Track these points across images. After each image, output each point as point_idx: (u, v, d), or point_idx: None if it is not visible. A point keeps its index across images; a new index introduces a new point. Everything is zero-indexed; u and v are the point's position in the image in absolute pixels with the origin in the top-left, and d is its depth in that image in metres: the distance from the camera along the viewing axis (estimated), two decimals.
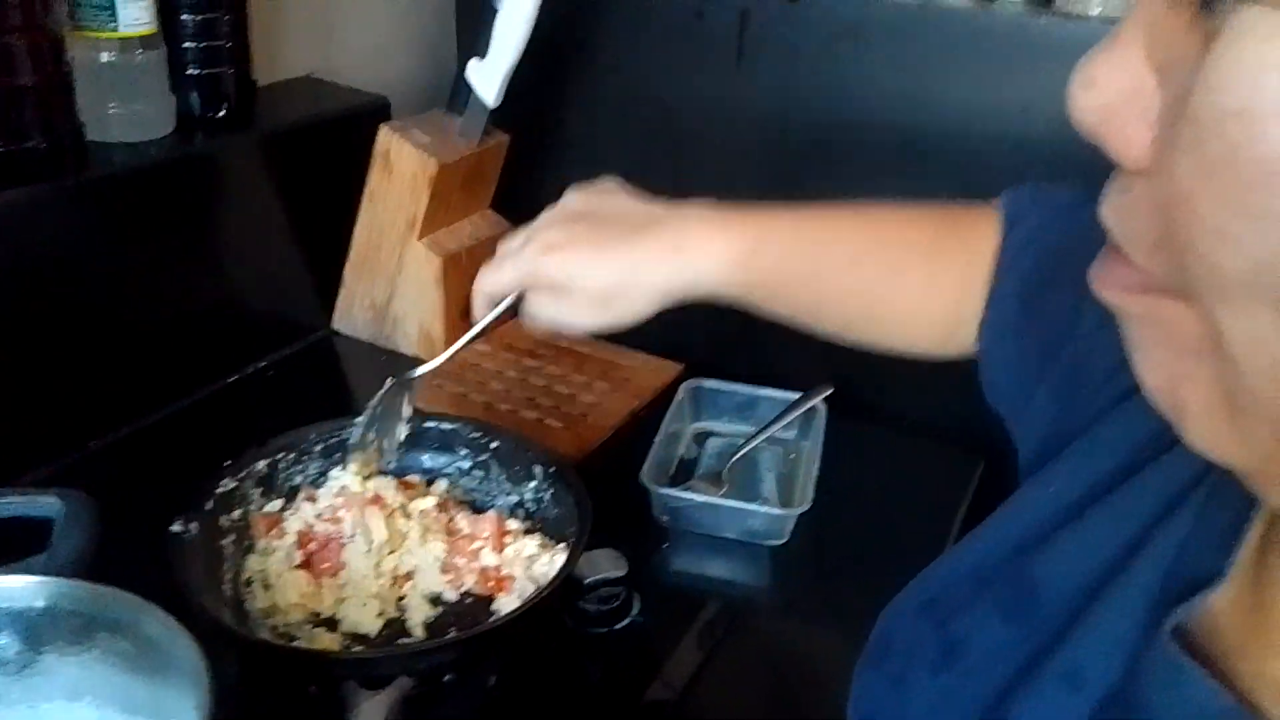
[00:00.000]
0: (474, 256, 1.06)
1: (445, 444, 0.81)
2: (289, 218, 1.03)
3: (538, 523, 0.76)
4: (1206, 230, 0.24)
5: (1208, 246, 0.24)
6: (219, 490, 0.71)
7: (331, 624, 0.68)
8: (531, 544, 0.73)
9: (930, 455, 0.96)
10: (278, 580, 0.69)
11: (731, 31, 1.05)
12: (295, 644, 0.65)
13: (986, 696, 0.42)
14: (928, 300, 0.62)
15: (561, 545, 0.72)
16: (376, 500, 0.72)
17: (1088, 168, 0.99)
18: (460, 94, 1.02)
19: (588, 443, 0.93)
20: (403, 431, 0.77)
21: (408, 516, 0.73)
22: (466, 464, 0.81)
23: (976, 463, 0.95)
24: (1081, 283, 0.38)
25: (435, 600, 0.71)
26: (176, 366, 0.95)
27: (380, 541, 0.70)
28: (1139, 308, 0.29)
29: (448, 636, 0.65)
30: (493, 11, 0.96)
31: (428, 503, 0.75)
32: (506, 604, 0.70)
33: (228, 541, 0.71)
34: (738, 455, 0.90)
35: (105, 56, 0.86)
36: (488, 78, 0.99)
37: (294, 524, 0.72)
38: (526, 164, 1.15)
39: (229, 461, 0.73)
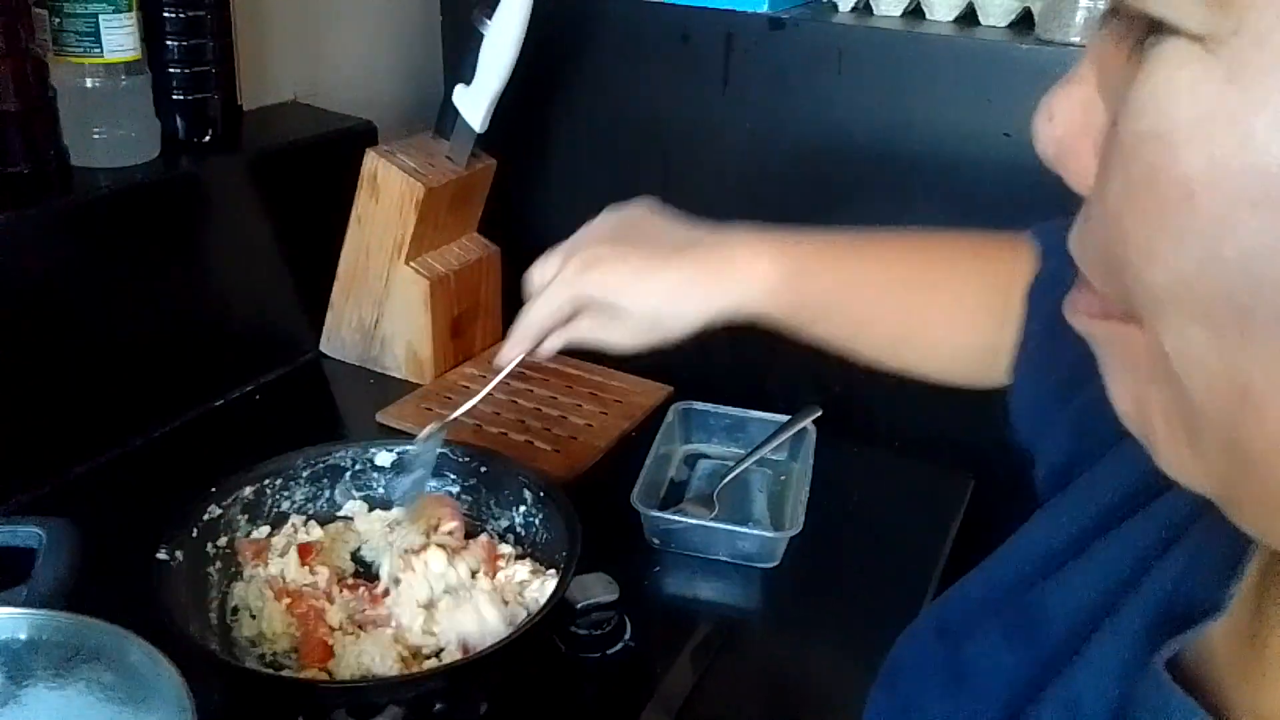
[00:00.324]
0: (461, 279, 1.06)
1: (434, 468, 0.80)
2: (275, 242, 1.03)
3: (528, 547, 0.76)
4: (1136, 249, 0.25)
5: (1138, 265, 0.25)
6: (205, 517, 0.70)
7: None
8: (523, 569, 0.72)
9: (921, 475, 0.96)
10: (266, 609, 0.68)
11: (717, 55, 1.05)
12: (283, 673, 0.64)
13: (992, 717, 0.43)
14: (967, 329, 0.62)
15: (552, 570, 0.72)
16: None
17: (1071, 194, 1.00)
18: (447, 119, 1.02)
19: (578, 465, 0.92)
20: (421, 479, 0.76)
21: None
22: (455, 489, 0.80)
23: (967, 482, 0.95)
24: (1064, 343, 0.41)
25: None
26: (162, 390, 0.94)
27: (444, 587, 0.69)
28: (1102, 333, 0.29)
29: (438, 664, 0.64)
30: (479, 37, 0.96)
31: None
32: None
33: (214, 569, 0.70)
34: (729, 478, 0.90)
35: (90, 82, 0.85)
36: (474, 103, 1.00)
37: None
38: (514, 187, 1.15)
39: (215, 487, 0.72)
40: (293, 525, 0.75)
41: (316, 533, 0.76)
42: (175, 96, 0.93)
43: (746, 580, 0.83)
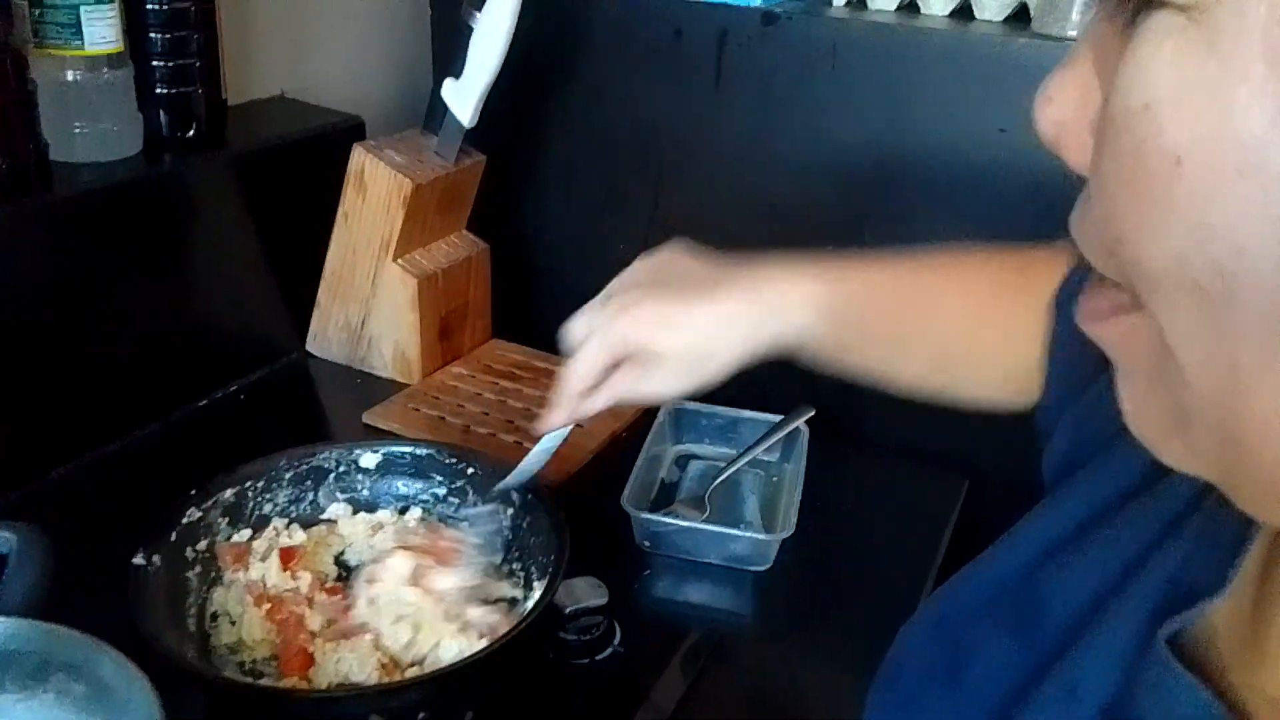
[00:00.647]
0: (450, 278, 1.04)
1: (419, 470, 0.79)
2: (261, 239, 1.01)
3: (516, 550, 0.74)
4: (1130, 224, 0.25)
5: (1133, 241, 0.25)
6: (184, 520, 0.69)
7: None
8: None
9: (915, 477, 0.95)
10: (245, 615, 0.66)
11: (710, 52, 1.04)
12: (262, 681, 0.62)
13: (991, 711, 0.43)
14: (1004, 349, 0.60)
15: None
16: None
17: (1067, 189, 0.99)
18: (436, 113, 1.01)
19: (567, 466, 0.91)
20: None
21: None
22: (441, 490, 0.79)
23: (961, 483, 0.94)
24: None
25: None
26: (144, 391, 0.92)
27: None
28: (1110, 333, 0.30)
29: (420, 672, 0.62)
30: (468, 30, 0.95)
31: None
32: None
33: (193, 574, 0.69)
34: (720, 479, 0.88)
35: (70, 75, 0.84)
36: (463, 97, 0.98)
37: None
38: (503, 184, 1.14)
39: (195, 490, 0.70)
40: (274, 529, 0.74)
41: (299, 536, 0.75)
42: (158, 90, 0.91)
43: (738, 583, 0.81)
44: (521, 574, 0.73)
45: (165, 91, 0.92)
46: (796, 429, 0.92)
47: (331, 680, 0.61)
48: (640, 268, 0.63)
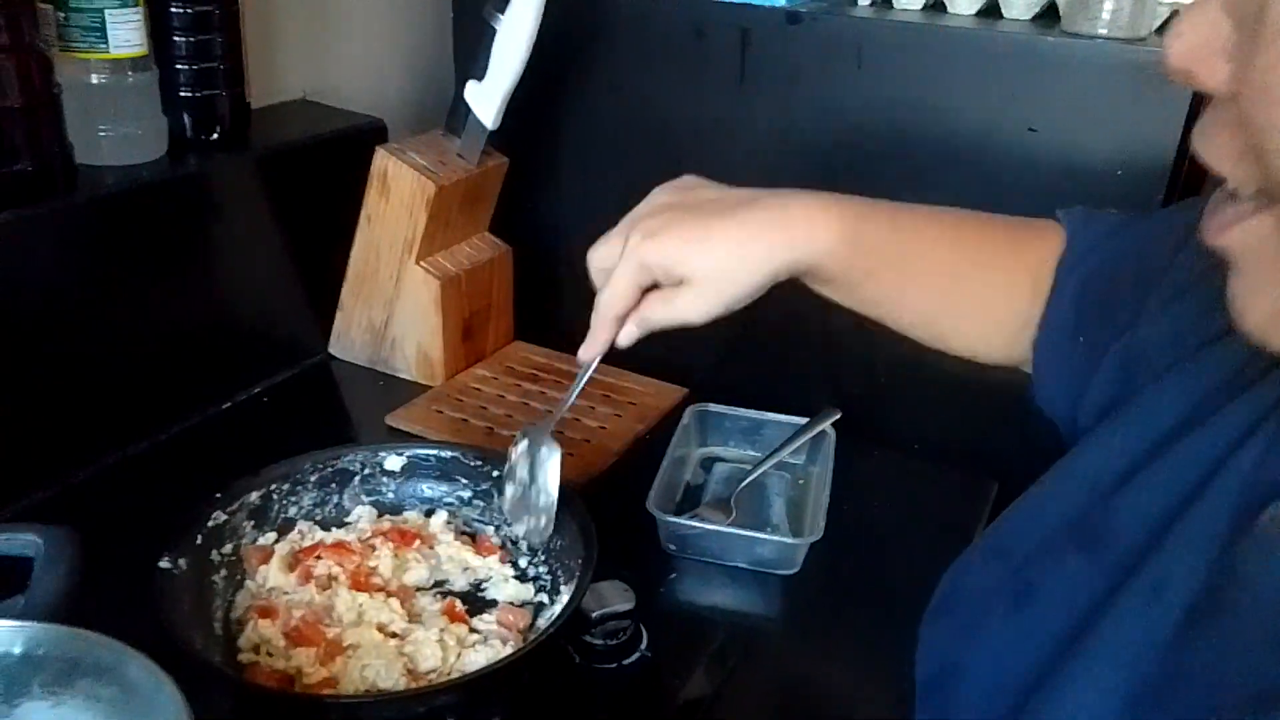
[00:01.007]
0: (473, 279, 1.04)
1: (445, 473, 0.78)
2: (284, 241, 1.01)
3: (543, 554, 0.74)
4: None
5: None
6: (210, 523, 0.68)
7: None
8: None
9: (943, 479, 0.94)
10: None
11: (733, 51, 1.03)
12: (290, 677, 0.62)
13: (1060, 631, 0.46)
14: (1003, 302, 0.64)
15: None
16: None
17: (1094, 186, 0.98)
18: (458, 115, 1.00)
19: (592, 469, 0.90)
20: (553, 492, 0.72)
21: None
22: (467, 494, 0.78)
23: (990, 485, 0.92)
24: (1141, 282, 0.53)
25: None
26: (168, 393, 0.92)
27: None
28: (1233, 239, 0.35)
29: (448, 678, 0.62)
30: (491, 32, 0.94)
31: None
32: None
33: (219, 577, 0.68)
34: (746, 481, 0.88)
35: (95, 78, 0.84)
36: (486, 99, 0.98)
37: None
38: (525, 186, 1.13)
39: (219, 493, 0.70)
40: (299, 532, 0.73)
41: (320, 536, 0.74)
42: (183, 93, 0.92)
43: (765, 587, 0.80)
44: (548, 578, 0.72)
45: (189, 94, 0.92)
46: (823, 431, 0.91)
47: (357, 687, 0.60)
48: (660, 194, 0.64)
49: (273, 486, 0.73)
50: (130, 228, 0.86)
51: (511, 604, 0.70)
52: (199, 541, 0.67)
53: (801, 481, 0.92)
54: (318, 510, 0.76)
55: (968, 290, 0.65)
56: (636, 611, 0.72)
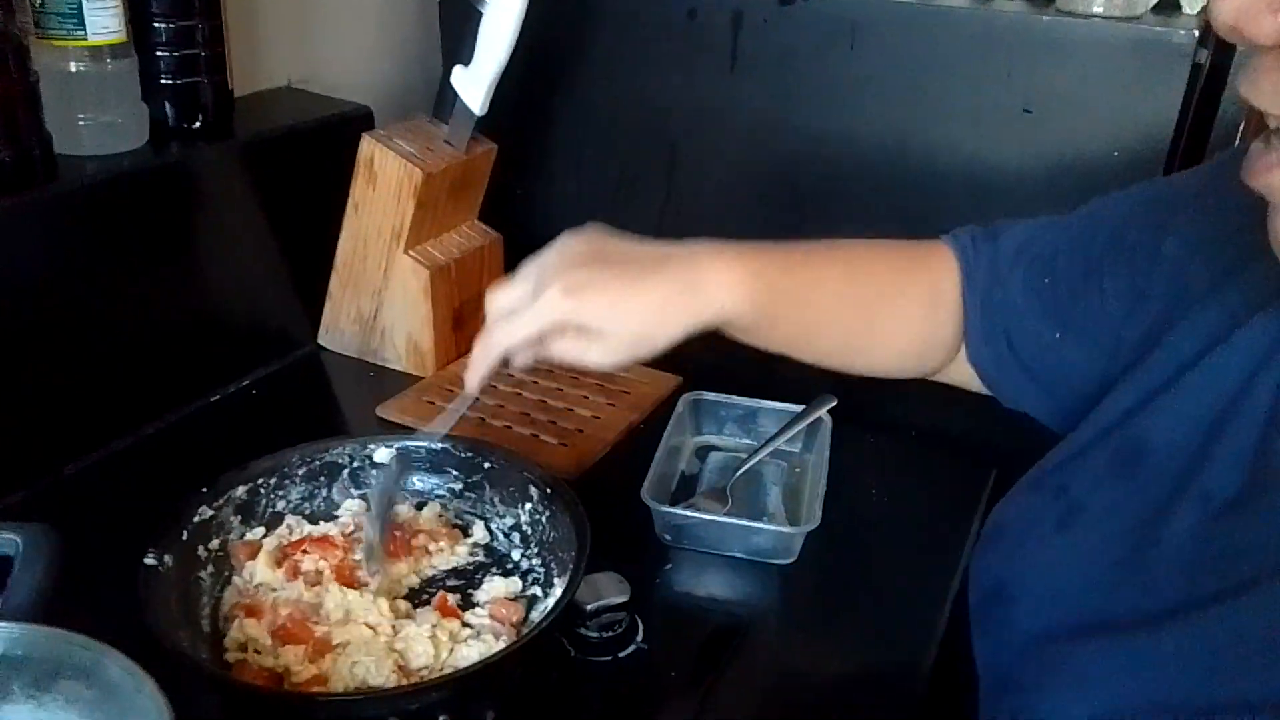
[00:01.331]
0: (462, 268, 1.02)
1: (435, 465, 0.77)
2: (270, 230, 0.99)
3: (535, 546, 0.73)
4: None
5: None
6: (196, 519, 0.67)
7: None
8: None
9: (940, 466, 0.93)
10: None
11: (725, 34, 1.02)
12: (279, 673, 0.61)
13: (1112, 539, 0.51)
14: (906, 324, 0.70)
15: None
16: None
17: (1092, 167, 0.98)
18: (445, 101, 0.99)
19: (585, 459, 0.89)
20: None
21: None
22: (458, 485, 0.77)
23: (988, 473, 0.91)
24: (1127, 262, 0.60)
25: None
26: (153, 386, 0.91)
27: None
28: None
29: (440, 674, 0.61)
30: (478, 16, 0.93)
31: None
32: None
33: (205, 573, 0.67)
34: (741, 470, 0.87)
35: (73, 66, 0.82)
36: (473, 84, 0.96)
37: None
38: (515, 172, 1.12)
39: (206, 488, 0.69)
40: (288, 526, 0.72)
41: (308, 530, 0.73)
42: (164, 81, 0.90)
43: (762, 577, 0.79)
44: (541, 570, 0.71)
45: (171, 82, 0.90)
46: (819, 419, 0.90)
47: (347, 684, 0.59)
48: (575, 245, 0.64)
49: (260, 481, 0.72)
50: (112, 218, 0.84)
51: (504, 598, 0.68)
52: (185, 537, 0.66)
53: (798, 470, 0.91)
54: (306, 504, 0.74)
55: (872, 320, 0.70)
56: (631, 603, 0.71)
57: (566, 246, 0.64)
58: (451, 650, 0.63)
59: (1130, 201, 0.64)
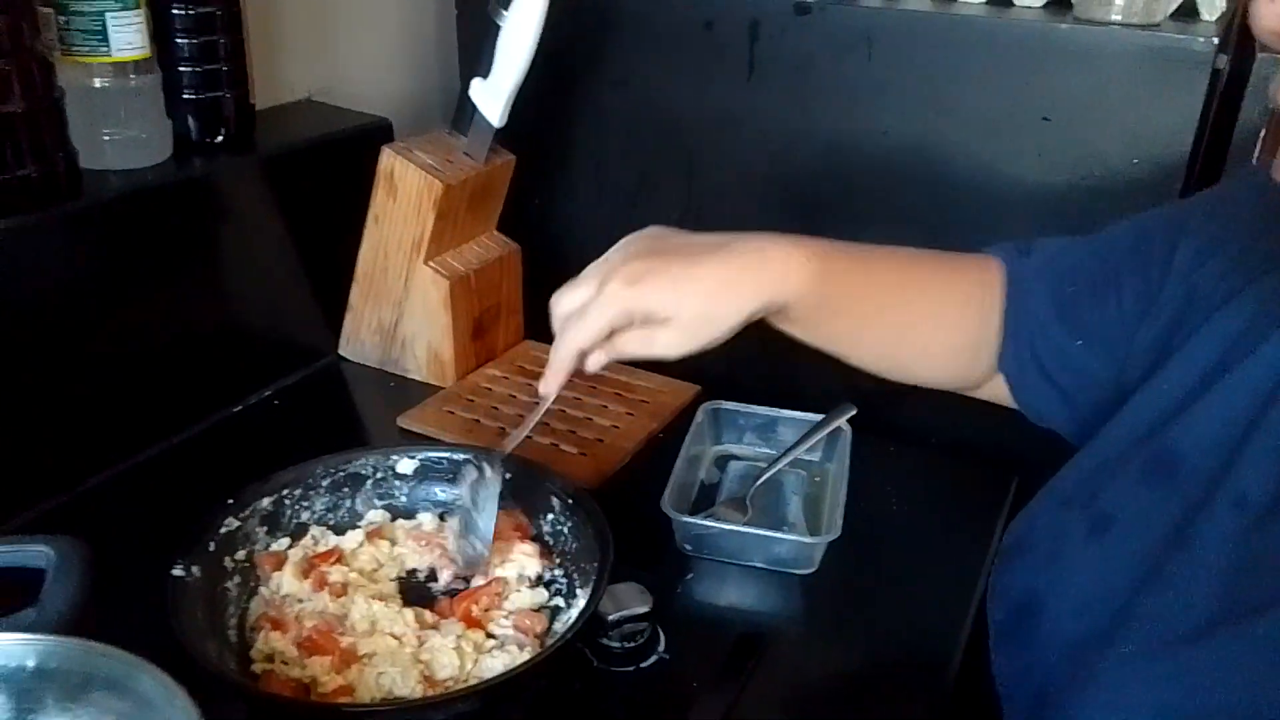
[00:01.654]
0: (482, 278, 1.03)
1: (458, 475, 0.77)
2: (292, 243, 1.00)
3: (558, 556, 0.73)
4: None
5: None
6: (222, 530, 0.68)
7: None
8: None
9: (961, 474, 0.93)
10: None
11: (741, 43, 1.02)
12: (304, 683, 0.61)
13: (1145, 549, 0.51)
14: (956, 329, 0.70)
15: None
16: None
17: (1110, 175, 0.98)
18: (464, 113, 0.99)
19: (605, 469, 0.90)
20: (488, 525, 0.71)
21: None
22: None
23: (1010, 479, 0.91)
24: (1143, 266, 0.61)
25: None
26: (176, 398, 0.92)
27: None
28: None
29: (466, 685, 0.61)
30: (496, 29, 0.93)
31: None
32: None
33: (232, 584, 0.68)
34: (761, 480, 0.87)
35: (98, 82, 0.83)
36: (492, 96, 0.97)
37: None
38: (533, 183, 1.12)
39: (232, 499, 0.69)
40: (312, 537, 0.72)
41: (334, 542, 0.73)
42: (186, 96, 0.91)
43: (783, 587, 0.79)
44: (564, 581, 0.71)
45: (193, 96, 0.91)
46: (838, 428, 0.90)
47: (374, 695, 0.59)
48: (631, 242, 0.65)
49: (284, 492, 0.73)
50: (137, 232, 0.85)
51: (529, 608, 0.69)
52: (211, 549, 0.66)
53: (817, 479, 0.91)
54: (330, 515, 0.75)
55: (919, 325, 0.70)
56: (653, 613, 0.71)
57: (627, 244, 0.65)
58: (476, 661, 0.63)
59: (1148, 217, 0.65)
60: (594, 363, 0.65)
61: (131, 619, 0.52)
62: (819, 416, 0.90)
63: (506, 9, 0.92)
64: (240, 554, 0.69)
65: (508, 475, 0.73)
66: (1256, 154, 0.84)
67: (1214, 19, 0.91)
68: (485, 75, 0.96)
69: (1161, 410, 0.54)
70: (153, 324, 0.89)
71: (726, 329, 0.62)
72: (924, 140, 0.97)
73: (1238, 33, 0.91)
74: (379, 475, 0.77)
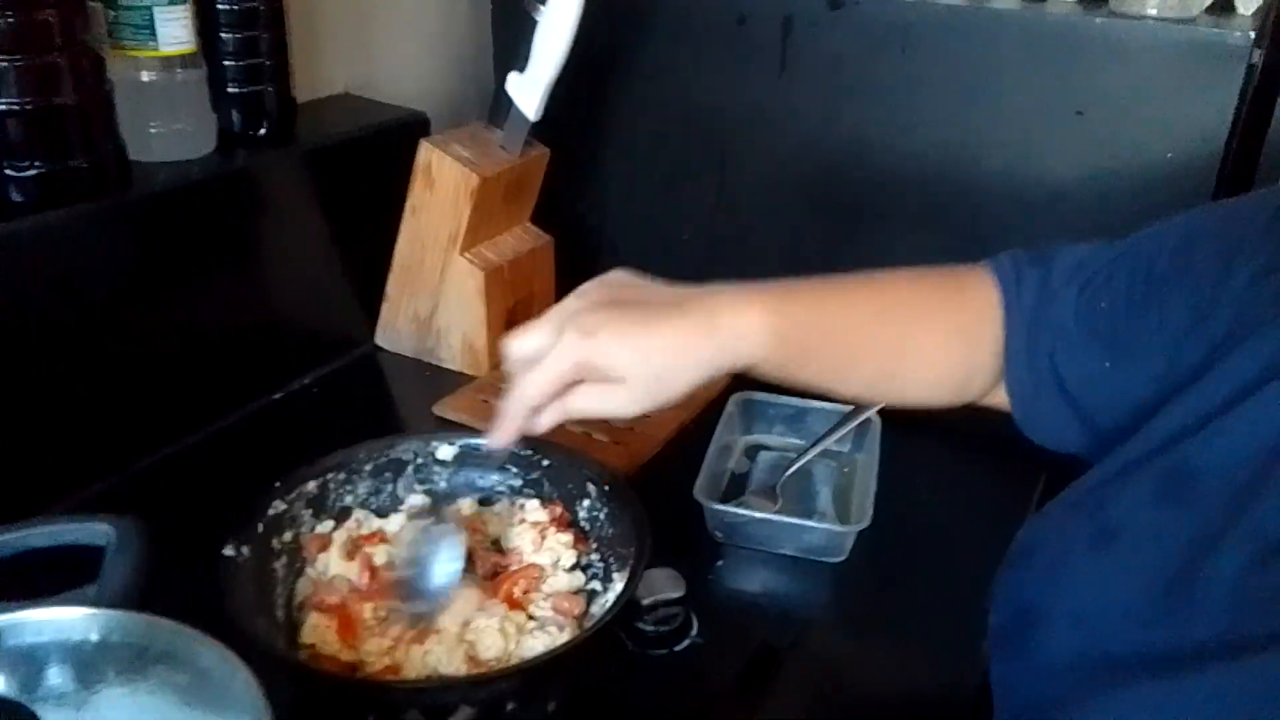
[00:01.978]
0: (516, 269, 1.04)
1: (495, 462, 0.79)
2: (331, 234, 1.02)
3: (594, 542, 0.74)
4: None
5: None
6: (270, 512, 0.69)
7: None
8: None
9: (990, 468, 0.93)
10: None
11: (774, 38, 1.03)
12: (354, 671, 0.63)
13: (1149, 569, 0.49)
14: (943, 355, 0.68)
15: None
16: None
17: (1144, 171, 0.97)
18: (500, 107, 1.01)
19: (637, 457, 0.91)
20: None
21: None
22: (518, 482, 0.79)
23: (1038, 475, 0.92)
24: (1193, 283, 0.57)
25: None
26: (219, 384, 0.94)
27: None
28: None
29: (510, 664, 0.63)
30: (533, 23, 0.95)
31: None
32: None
33: (279, 564, 0.69)
34: (792, 469, 0.88)
35: (146, 75, 0.85)
36: (528, 90, 0.98)
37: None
38: (568, 176, 1.14)
39: (279, 482, 0.71)
40: (356, 520, 0.74)
41: (376, 525, 0.75)
42: (230, 89, 0.93)
43: (814, 575, 0.81)
44: (600, 566, 0.73)
45: (237, 90, 0.93)
46: (868, 419, 0.91)
47: (419, 673, 0.61)
48: (595, 290, 0.63)
49: (329, 475, 0.74)
50: (182, 223, 0.87)
51: (568, 591, 0.70)
52: (260, 530, 0.68)
53: (847, 469, 0.92)
54: (373, 499, 0.76)
55: (904, 354, 0.68)
56: (686, 598, 0.72)
57: (587, 291, 0.62)
58: (519, 641, 0.64)
59: (1195, 223, 0.61)
60: (545, 422, 0.63)
61: (181, 596, 0.53)
62: (848, 407, 0.91)
63: (543, 3, 0.93)
64: (287, 535, 0.70)
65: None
66: None
67: (1250, 13, 0.91)
68: (521, 69, 0.97)
69: (1185, 422, 0.52)
70: (197, 312, 0.91)
71: (680, 393, 0.61)
72: (956, 135, 0.97)
73: (1274, 27, 0.91)
74: (420, 461, 0.78)
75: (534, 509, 0.75)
